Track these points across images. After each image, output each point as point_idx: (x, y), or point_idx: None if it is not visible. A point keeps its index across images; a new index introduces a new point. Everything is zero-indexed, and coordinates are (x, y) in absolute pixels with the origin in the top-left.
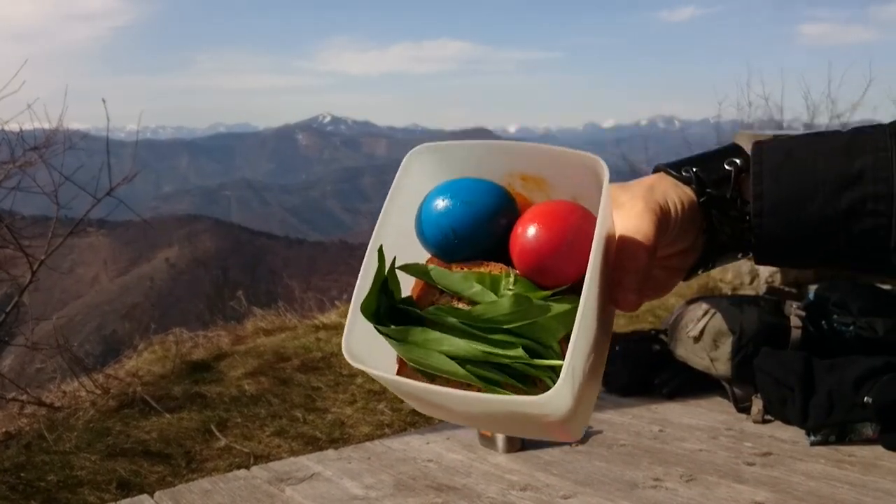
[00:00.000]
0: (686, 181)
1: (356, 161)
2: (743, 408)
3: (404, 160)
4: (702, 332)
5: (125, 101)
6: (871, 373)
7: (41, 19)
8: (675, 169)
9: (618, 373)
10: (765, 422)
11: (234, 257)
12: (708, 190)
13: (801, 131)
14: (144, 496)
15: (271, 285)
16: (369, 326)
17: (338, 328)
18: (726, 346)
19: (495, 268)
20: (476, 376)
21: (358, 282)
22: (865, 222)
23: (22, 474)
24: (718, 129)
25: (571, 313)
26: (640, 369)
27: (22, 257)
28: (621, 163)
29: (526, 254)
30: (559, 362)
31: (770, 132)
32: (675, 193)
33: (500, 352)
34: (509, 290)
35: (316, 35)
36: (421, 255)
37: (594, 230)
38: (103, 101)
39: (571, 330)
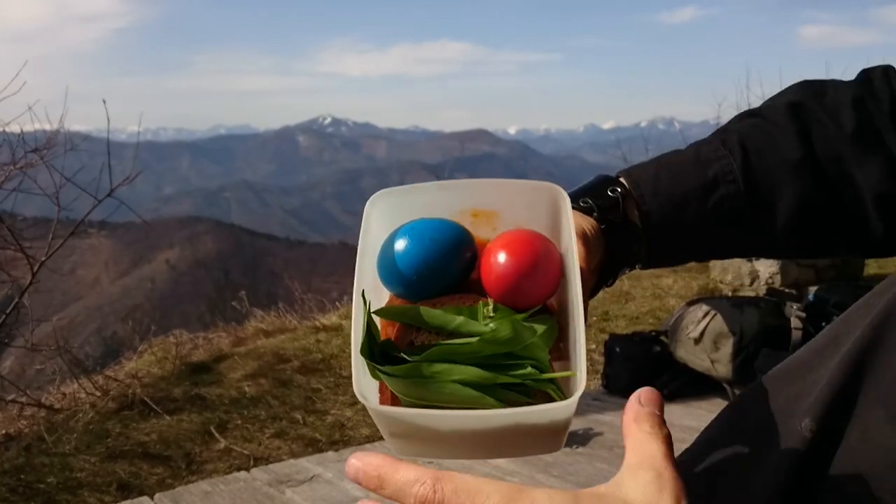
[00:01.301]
0: (587, 211)
1: (356, 163)
2: None
3: (366, 207)
4: (702, 333)
5: (126, 103)
6: None
7: (42, 21)
8: (573, 201)
9: (618, 374)
10: None
11: (235, 259)
12: (609, 217)
13: None
14: (144, 498)
15: (272, 287)
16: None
17: (338, 330)
18: (727, 347)
19: (467, 299)
20: (493, 398)
21: (352, 327)
22: (729, 215)
23: (21, 476)
24: None
25: (550, 331)
26: (641, 371)
27: (22, 258)
28: (622, 164)
29: (502, 280)
30: (568, 373)
31: None
32: (585, 222)
33: (512, 372)
34: (490, 316)
35: (316, 36)
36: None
37: (556, 252)
38: (104, 102)
39: (552, 346)
